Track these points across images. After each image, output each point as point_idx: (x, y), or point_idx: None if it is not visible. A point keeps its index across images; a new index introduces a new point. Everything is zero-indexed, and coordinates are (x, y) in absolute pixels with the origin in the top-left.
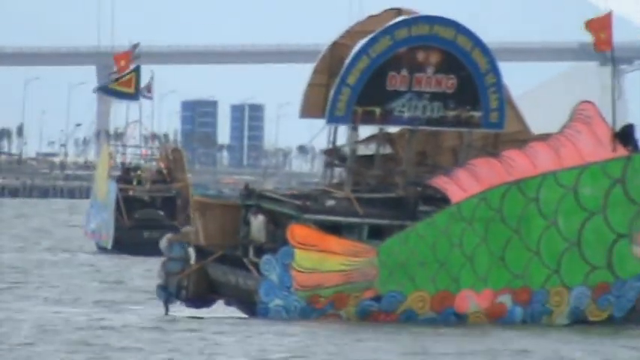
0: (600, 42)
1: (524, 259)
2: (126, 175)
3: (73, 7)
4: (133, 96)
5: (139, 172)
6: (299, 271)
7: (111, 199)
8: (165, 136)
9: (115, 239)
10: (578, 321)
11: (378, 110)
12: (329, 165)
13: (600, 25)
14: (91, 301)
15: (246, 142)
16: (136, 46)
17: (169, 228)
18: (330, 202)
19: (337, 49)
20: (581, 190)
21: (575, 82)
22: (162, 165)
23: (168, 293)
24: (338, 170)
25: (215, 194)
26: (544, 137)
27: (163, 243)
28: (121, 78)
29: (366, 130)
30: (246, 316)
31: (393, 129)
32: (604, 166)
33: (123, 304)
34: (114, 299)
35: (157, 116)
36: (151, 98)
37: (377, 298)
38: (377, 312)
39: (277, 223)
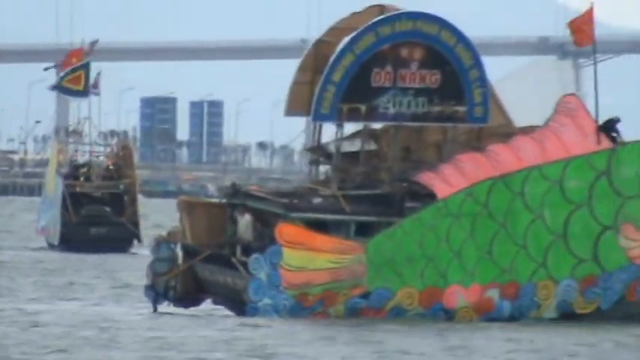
0: (582, 36)
1: (511, 254)
2: (74, 171)
3: (31, 3)
4: (83, 93)
5: (85, 169)
6: (287, 270)
7: (58, 196)
8: (125, 132)
9: (61, 235)
10: (566, 314)
11: (363, 107)
12: (314, 162)
13: (582, 21)
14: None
15: (205, 138)
16: (94, 42)
17: (116, 224)
18: (317, 200)
19: (321, 46)
20: (566, 183)
21: (534, 76)
22: (110, 162)
23: (156, 293)
24: (322, 167)
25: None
26: (529, 131)
27: (151, 243)
28: (70, 74)
29: (350, 127)
30: (234, 314)
31: (377, 125)
32: (589, 158)
33: None
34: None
35: (117, 113)
36: (97, 94)
37: (365, 296)
38: (366, 309)
39: (264, 221)
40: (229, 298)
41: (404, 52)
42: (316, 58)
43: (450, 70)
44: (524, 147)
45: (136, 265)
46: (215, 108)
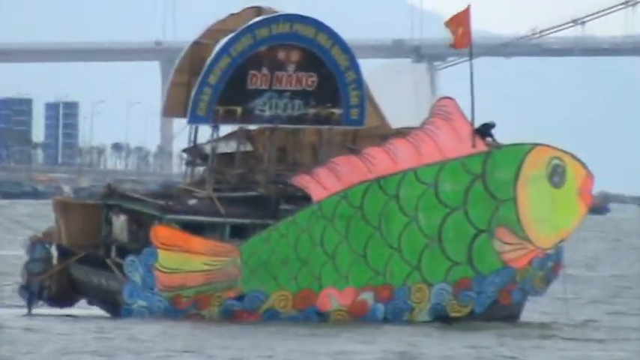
0: (458, 38)
1: (385, 257)
2: None
3: None
4: None
5: None
6: (162, 272)
7: None
8: None
9: None
10: (440, 317)
11: (239, 109)
12: (190, 164)
13: (458, 22)
14: None
15: (61, 140)
16: None
17: None
18: (193, 202)
19: (198, 48)
20: (441, 186)
21: (390, 78)
22: None
23: (30, 293)
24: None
25: None
26: (404, 133)
27: (25, 243)
28: None
29: (226, 128)
30: (109, 315)
31: (252, 126)
32: (464, 161)
33: None
34: None
35: None
36: None
37: (240, 298)
38: (240, 311)
39: (140, 223)
40: (104, 300)
41: (281, 54)
42: (192, 59)
43: (327, 73)
44: (399, 150)
45: None
46: (70, 109)
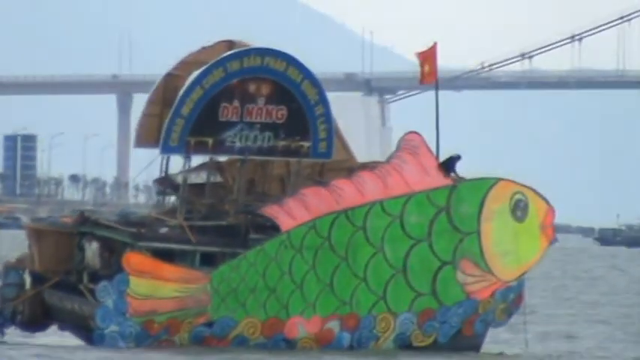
0: (424, 74)
1: (351, 286)
2: None
3: None
4: None
5: None
6: (134, 298)
7: None
8: None
9: None
10: (404, 346)
11: (210, 140)
12: (161, 193)
13: (425, 58)
14: None
15: (19, 171)
16: None
17: None
18: (164, 230)
19: (171, 79)
20: (407, 218)
21: (341, 111)
22: None
23: (3, 318)
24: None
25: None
26: (371, 166)
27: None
28: None
29: (197, 159)
30: (81, 341)
31: (222, 157)
32: (429, 194)
33: None
34: None
35: None
36: None
37: (209, 324)
38: (210, 337)
39: (112, 249)
40: (76, 325)
41: (252, 87)
42: (165, 91)
43: (296, 106)
44: (366, 182)
45: None
46: (29, 142)
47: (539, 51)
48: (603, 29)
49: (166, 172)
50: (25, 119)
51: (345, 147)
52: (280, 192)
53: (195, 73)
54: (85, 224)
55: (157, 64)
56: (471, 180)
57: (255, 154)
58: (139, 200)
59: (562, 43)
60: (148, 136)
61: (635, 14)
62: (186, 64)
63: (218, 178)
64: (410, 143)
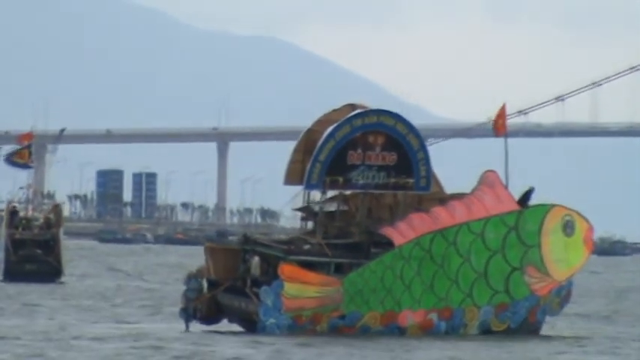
0: (498, 127)
1: (446, 287)
2: (14, 222)
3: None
4: (27, 165)
5: (23, 221)
6: (287, 298)
7: (3, 242)
8: (51, 195)
9: (4, 271)
10: (485, 331)
11: (340, 179)
12: (304, 219)
13: (498, 116)
14: None
15: (144, 200)
16: (63, 130)
17: (44, 262)
18: (307, 246)
19: (311, 133)
20: (486, 235)
21: None
22: (43, 217)
23: (187, 314)
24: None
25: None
26: (459, 197)
27: (184, 277)
28: (19, 152)
29: (329, 193)
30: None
31: (348, 191)
32: (503, 217)
33: None
34: None
35: (78, 181)
36: (31, 167)
37: (342, 317)
38: (342, 326)
39: (269, 262)
40: (243, 319)
41: (371, 138)
42: (307, 142)
43: (404, 152)
44: (456, 208)
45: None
46: (150, 177)
47: (531, 109)
48: None
49: (308, 202)
50: (148, 160)
51: (437, 182)
52: (389, 217)
53: (329, 129)
54: (248, 243)
55: (247, 120)
56: (533, 206)
57: (373, 188)
58: (234, 221)
59: (549, 103)
60: (294, 177)
61: None
62: (321, 122)
63: (345, 207)
64: (488, 179)
